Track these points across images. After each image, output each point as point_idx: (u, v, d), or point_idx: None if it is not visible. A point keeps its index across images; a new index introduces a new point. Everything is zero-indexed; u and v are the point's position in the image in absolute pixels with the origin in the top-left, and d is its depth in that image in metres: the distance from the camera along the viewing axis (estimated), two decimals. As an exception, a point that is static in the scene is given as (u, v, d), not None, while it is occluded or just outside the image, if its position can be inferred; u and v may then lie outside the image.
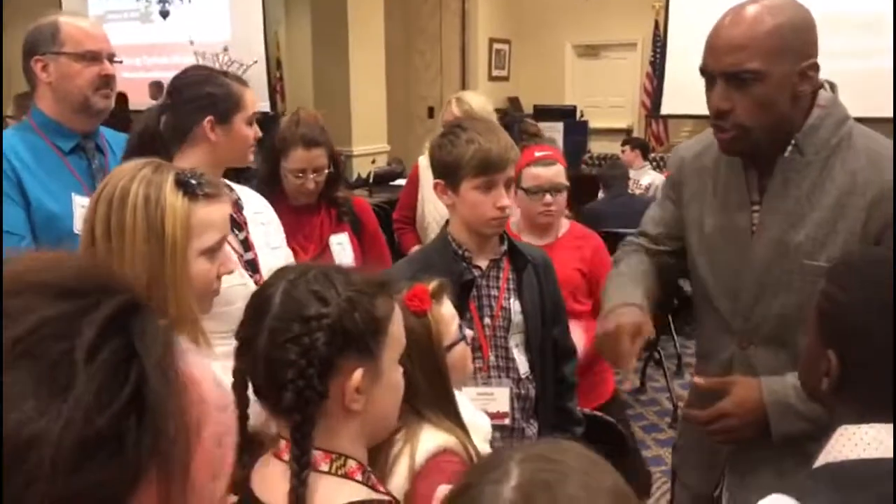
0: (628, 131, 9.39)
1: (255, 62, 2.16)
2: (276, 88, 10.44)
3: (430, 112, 9.43)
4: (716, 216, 1.72)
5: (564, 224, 2.76)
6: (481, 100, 3.26)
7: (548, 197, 2.61)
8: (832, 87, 1.65)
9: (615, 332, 1.61)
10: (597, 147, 9.26)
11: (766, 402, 1.56)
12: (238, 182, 2.23)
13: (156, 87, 8.46)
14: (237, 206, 2.03)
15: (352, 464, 1.11)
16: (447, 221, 2.02)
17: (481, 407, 1.99)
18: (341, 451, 1.11)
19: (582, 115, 9.46)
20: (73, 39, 2.23)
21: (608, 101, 9.89)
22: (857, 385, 1.12)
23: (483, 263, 1.98)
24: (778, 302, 1.62)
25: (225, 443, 0.55)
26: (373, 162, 7.48)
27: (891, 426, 1.08)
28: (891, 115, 3.72)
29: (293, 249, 2.61)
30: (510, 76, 10.22)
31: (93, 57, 2.24)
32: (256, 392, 1.15)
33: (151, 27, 10.51)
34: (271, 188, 2.59)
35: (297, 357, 1.06)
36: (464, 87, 9.55)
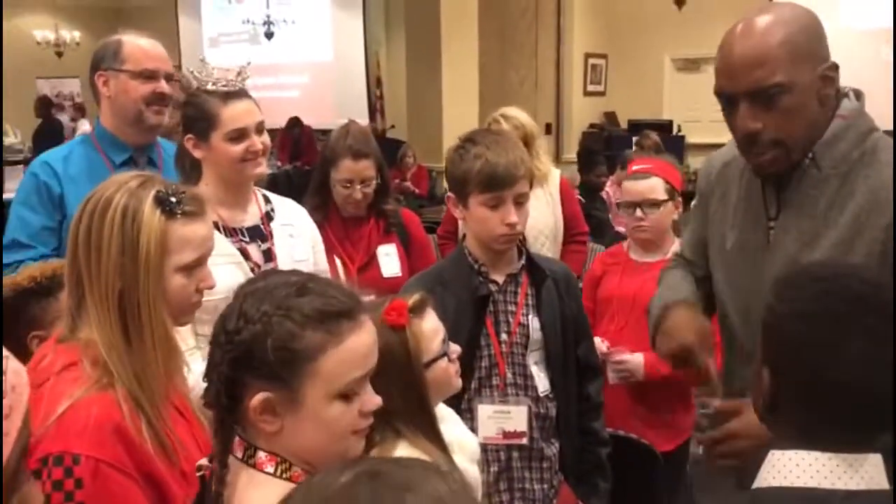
0: (730, 147, 9.05)
1: (249, 63, 2.20)
2: (375, 106, 10.72)
3: (523, 128, 9.39)
4: (735, 232, 1.63)
5: (675, 241, 2.55)
6: (525, 115, 3.24)
7: (638, 212, 2.52)
8: (857, 95, 1.54)
9: (680, 351, 1.59)
10: (696, 163, 8.94)
11: None
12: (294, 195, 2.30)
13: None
14: (267, 217, 2.11)
15: (297, 469, 1.10)
16: (464, 235, 2.00)
17: (498, 426, 1.95)
18: (286, 455, 1.10)
19: (679, 130, 9.18)
20: (134, 58, 2.36)
21: (709, 116, 9.54)
22: (789, 406, 1.03)
23: (500, 278, 1.94)
24: None
25: None
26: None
27: (818, 453, 0.99)
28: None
29: (340, 259, 2.66)
30: (606, 91, 10.06)
31: (149, 75, 2.37)
32: None
33: (260, 48, 10.95)
34: (322, 199, 2.67)
35: (217, 363, 1.09)
36: (559, 102, 9.47)
